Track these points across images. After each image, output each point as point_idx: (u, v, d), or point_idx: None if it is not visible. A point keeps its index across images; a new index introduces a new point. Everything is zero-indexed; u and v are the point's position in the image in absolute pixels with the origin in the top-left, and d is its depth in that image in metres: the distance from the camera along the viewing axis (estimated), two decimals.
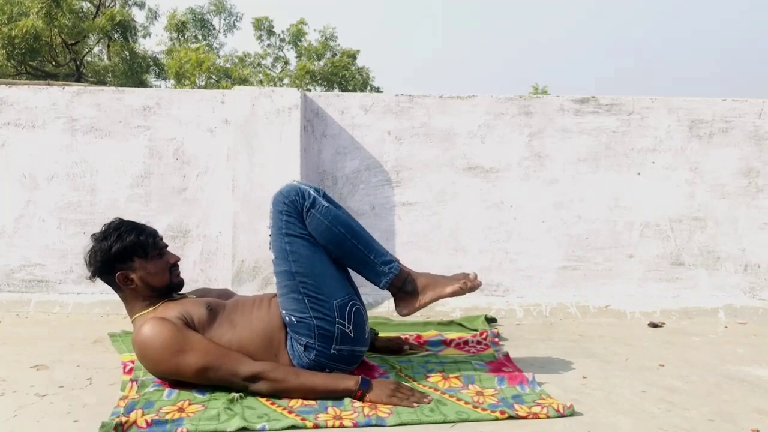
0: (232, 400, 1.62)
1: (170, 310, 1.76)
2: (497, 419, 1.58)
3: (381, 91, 17.02)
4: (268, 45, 21.64)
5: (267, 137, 2.78)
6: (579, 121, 2.93)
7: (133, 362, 1.92)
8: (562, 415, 1.59)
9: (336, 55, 20.78)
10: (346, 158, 2.92)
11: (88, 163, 2.87)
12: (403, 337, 2.26)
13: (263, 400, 1.65)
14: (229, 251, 2.82)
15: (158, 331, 1.67)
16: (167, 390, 1.70)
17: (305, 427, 1.52)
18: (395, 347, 2.12)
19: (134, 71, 18.13)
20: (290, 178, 2.74)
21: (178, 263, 1.90)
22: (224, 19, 21.52)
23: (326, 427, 1.52)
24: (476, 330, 2.40)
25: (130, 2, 19.19)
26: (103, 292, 2.81)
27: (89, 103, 2.87)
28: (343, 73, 20.09)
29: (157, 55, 20.04)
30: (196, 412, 1.58)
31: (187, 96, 2.94)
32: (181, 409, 1.58)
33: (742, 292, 2.94)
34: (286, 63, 21.63)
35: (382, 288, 1.84)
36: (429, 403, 1.65)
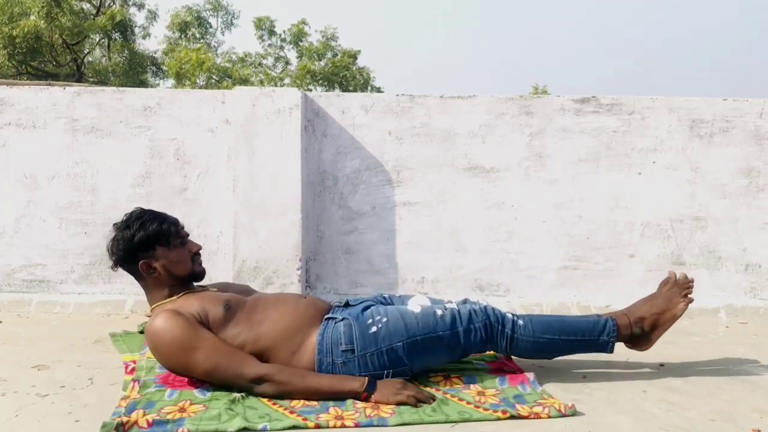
0: (233, 400, 1.62)
1: (189, 303, 1.76)
2: (499, 419, 1.58)
3: (382, 91, 17.00)
4: (269, 45, 21.64)
5: (267, 137, 2.78)
6: (580, 121, 2.93)
7: (134, 362, 1.93)
8: (564, 415, 1.60)
9: (337, 55, 20.77)
10: (346, 158, 2.92)
11: (89, 163, 2.87)
12: None
13: (264, 400, 1.65)
14: (230, 251, 2.82)
15: (171, 326, 1.67)
16: (168, 390, 1.70)
17: (307, 427, 1.52)
18: None
19: (135, 71, 18.13)
20: (291, 178, 2.75)
21: (200, 252, 1.90)
22: (222, 17, 21.51)
23: (328, 427, 1.52)
24: None
25: (129, 2, 19.19)
26: (104, 293, 2.82)
27: (90, 103, 2.87)
28: (343, 73, 20.08)
29: (155, 55, 20.02)
30: (197, 412, 1.58)
31: (187, 96, 2.95)
32: (182, 409, 1.59)
33: (743, 291, 2.94)
34: (287, 63, 21.62)
35: (613, 352, 1.87)
36: (434, 402, 1.65)
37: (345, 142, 2.92)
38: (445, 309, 1.80)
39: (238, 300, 1.81)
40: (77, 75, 17.76)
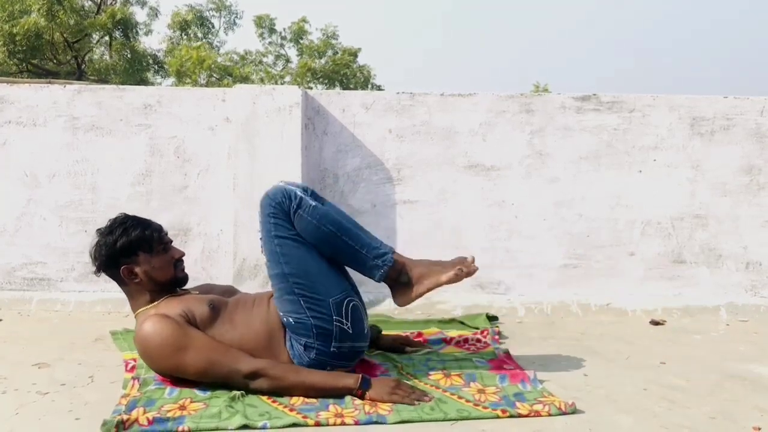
0: (233, 398, 1.62)
1: (173, 306, 1.77)
2: (498, 417, 1.58)
3: (382, 89, 17.00)
4: (270, 43, 21.64)
5: (268, 135, 2.78)
6: (580, 119, 2.93)
7: (134, 360, 1.93)
8: (564, 413, 1.59)
9: (337, 53, 20.78)
10: (347, 156, 2.92)
11: (89, 161, 2.87)
12: (404, 334, 2.26)
13: (265, 398, 1.65)
14: (231, 249, 2.82)
15: (159, 329, 1.67)
16: (169, 388, 1.70)
17: (306, 425, 1.52)
18: (399, 347, 2.12)
19: (135, 69, 18.13)
20: (291, 176, 2.74)
21: (183, 258, 1.90)
22: (224, 17, 21.50)
23: (327, 425, 1.52)
24: (477, 328, 2.40)
25: (131, 0, 19.18)
26: (104, 291, 2.82)
27: (90, 102, 2.87)
28: (344, 71, 20.10)
29: (157, 53, 20.02)
30: (197, 410, 1.58)
31: (188, 94, 2.94)
32: (182, 407, 1.59)
33: (744, 289, 2.94)
34: (288, 61, 21.64)
35: (378, 281, 1.83)
36: (430, 401, 1.65)
37: (345, 140, 2.91)
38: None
39: (220, 300, 1.83)
40: (78, 73, 17.77)
